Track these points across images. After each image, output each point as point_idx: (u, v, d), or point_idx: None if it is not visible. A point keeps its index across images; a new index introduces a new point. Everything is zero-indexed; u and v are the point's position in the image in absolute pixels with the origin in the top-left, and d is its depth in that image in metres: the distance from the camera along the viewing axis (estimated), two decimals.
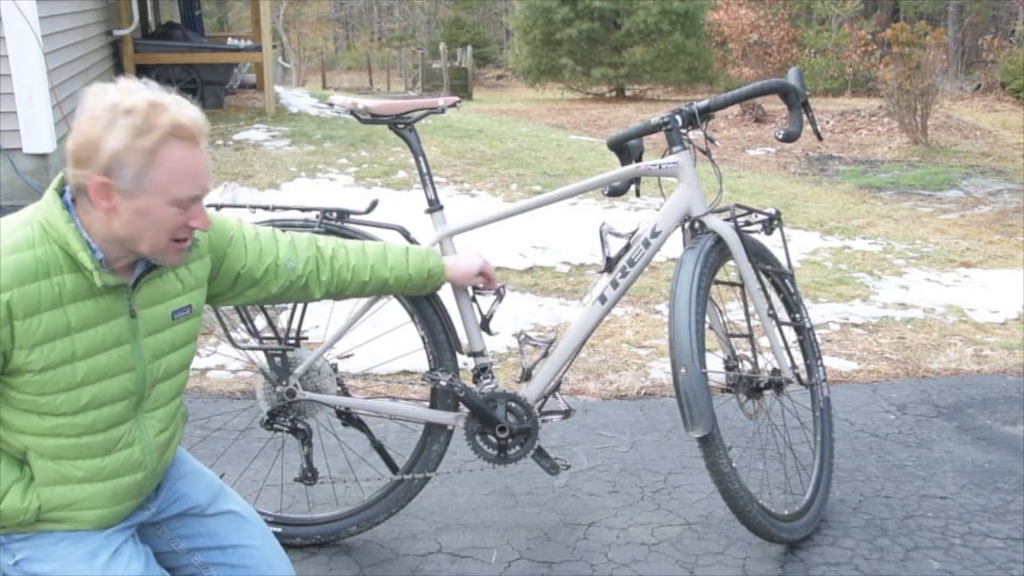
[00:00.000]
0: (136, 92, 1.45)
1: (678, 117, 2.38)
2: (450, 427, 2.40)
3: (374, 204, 2.36)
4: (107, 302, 1.52)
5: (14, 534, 1.57)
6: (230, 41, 10.93)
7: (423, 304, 2.34)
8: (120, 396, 1.57)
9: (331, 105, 2.39)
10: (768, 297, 2.50)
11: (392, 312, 2.45)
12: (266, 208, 2.37)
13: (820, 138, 2.80)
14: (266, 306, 2.30)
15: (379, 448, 2.46)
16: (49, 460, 1.54)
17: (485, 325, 2.35)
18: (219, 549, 1.73)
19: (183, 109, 1.47)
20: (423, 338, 2.37)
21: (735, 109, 14.27)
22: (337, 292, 2.00)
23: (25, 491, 1.54)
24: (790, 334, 2.63)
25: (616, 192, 2.50)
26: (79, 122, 1.44)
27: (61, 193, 1.50)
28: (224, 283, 1.80)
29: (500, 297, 2.35)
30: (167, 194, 1.46)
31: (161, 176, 1.44)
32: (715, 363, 2.45)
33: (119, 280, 1.51)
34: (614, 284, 2.35)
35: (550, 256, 5.30)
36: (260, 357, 2.34)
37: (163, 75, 9.11)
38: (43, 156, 5.94)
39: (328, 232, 2.31)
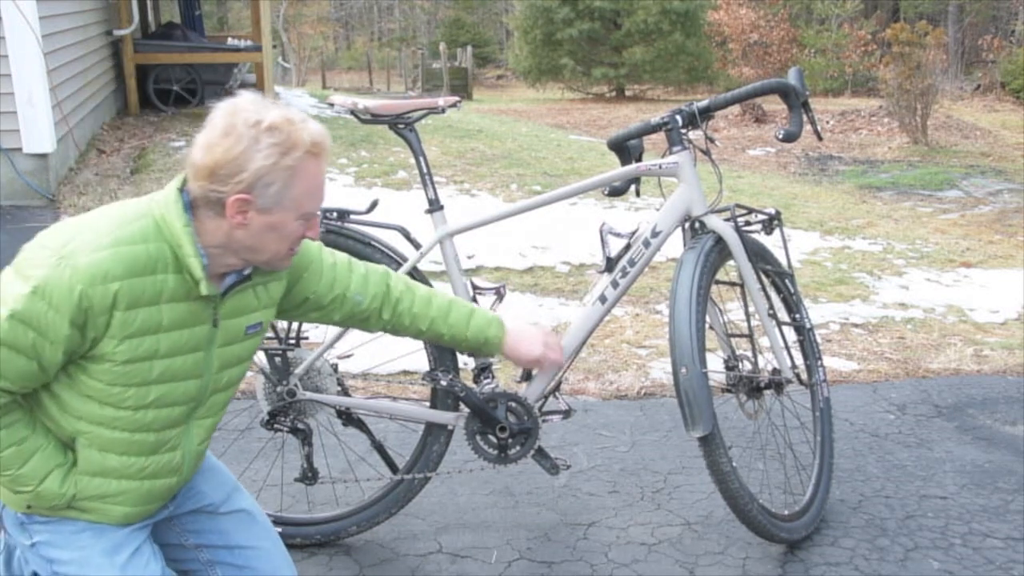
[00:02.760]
0: (271, 108, 1.47)
1: (678, 117, 2.38)
2: (450, 427, 2.40)
3: (374, 204, 2.36)
4: (198, 307, 1.54)
5: (36, 516, 1.58)
6: (230, 41, 10.92)
7: None
8: (182, 400, 1.58)
9: (331, 105, 2.39)
10: (768, 297, 2.50)
11: None
12: None
13: (820, 138, 2.81)
14: None
15: (379, 448, 2.46)
16: (96, 451, 1.55)
17: None
18: (227, 548, 1.74)
19: (312, 125, 1.50)
20: None
21: (735, 109, 14.27)
22: (393, 332, 1.98)
23: (65, 477, 1.54)
24: (790, 334, 2.63)
25: (616, 192, 2.50)
26: (215, 139, 1.44)
27: (182, 193, 1.51)
28: (291, 303, 1.81)
29: (500, 297, 2.36)
30: (299, 209, 1.50)
31: (298, 193, 1.48)
32: (715, 363, 2.45)
33: (215, 289, 1.54)
34: (614, 284, 2.35)
35: (550, 256, 5.30)
36: (260, 357, 2.34)
37: (163, 75, 9.12)
38: (43, 156, 5.94)
39: (328, 232, 2.32)
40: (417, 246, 2.35)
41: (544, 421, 2.35)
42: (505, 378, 3.48)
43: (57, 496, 1.53)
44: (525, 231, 5.48)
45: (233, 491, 1.80)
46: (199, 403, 1.62)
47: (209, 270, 1.52)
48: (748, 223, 2.48)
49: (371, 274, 1.90)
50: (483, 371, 2.38)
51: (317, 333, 2.45)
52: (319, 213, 1.57)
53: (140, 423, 1.54)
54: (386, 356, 3.17)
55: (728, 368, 2.50)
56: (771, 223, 2.53)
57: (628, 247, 2.37)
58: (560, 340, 2.01)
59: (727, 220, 2.40)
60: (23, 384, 1.46)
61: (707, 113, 2.41)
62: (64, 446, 1.56)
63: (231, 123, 1.44)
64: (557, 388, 2.40)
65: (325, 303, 1.84)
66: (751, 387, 2.51)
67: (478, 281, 3.31)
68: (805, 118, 2.41)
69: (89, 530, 1.58)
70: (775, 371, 2.52)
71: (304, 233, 1.55)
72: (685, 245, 2.39)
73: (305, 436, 2.34)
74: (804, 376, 2.63)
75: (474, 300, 2.35)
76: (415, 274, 2.34)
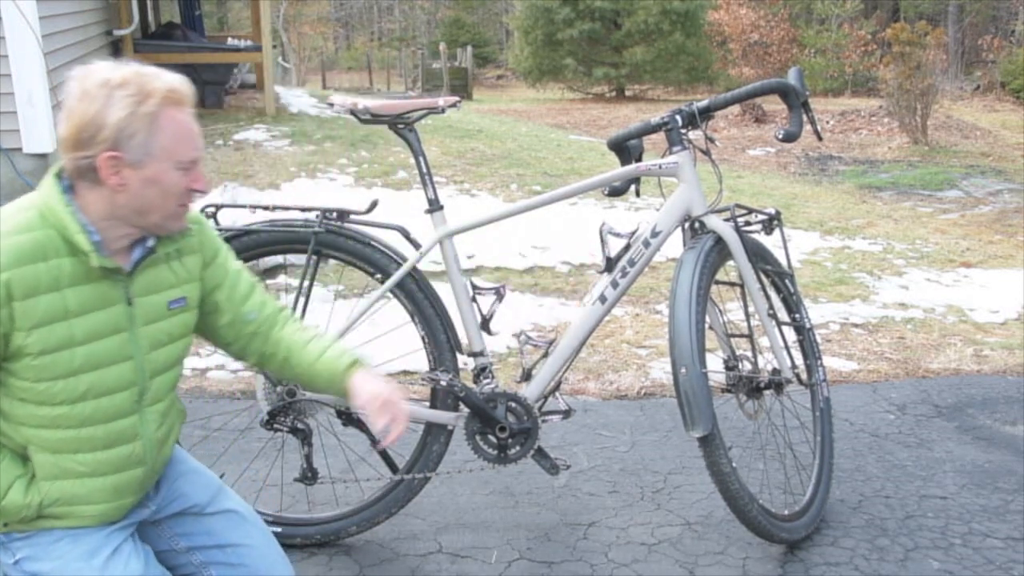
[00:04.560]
0: (121, 67, 1.49)
1: (678, 117, 2.38)
2: (450, 427, 2.40)
3: (374, 204, 2.36)
4: (104, 288, 1.53)
5: (14, 533, 1.57)
6: (230, 41, 10.92)
7: (423, 304, 2.34)
8: (119, 386, 1.57)
9: (331, 105, 2.39)
10: (768, 297, 2.50)
11: (392, 312, 2.45)
12: (266, 208, 2.37)
13: (820, 138, 2.81)
14: None
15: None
16: (49, 454, 1.54)
17: (485, 325, 2.35)
18: (218, 548, 1.73)
19: (168, 75, 1.52)
20: (423, 338, 2.37)
21: (735, 109, 14.27)
22: (261, 364, 1.86)
23: (27, 487, 1.54)
24: (790, 334, 2.63)
25: (616, 192, 2.50)
26: (72, 106, 1.46)
27: (59, 178, 1.51)
28: (204, 289, 1.75)
29: (500, 297, 2.36)
30: (173, 158, 1.50)
31: (166, 140, 1.48)
32: (715, 363, 2.45)
33: (114, 263, 1.53)
34: (614, 284, 2.35)
35: (550, 256, 5.30)
36: None
37: None
38: (43, 156, 5.94)
39: (328, 232, 2.31)
40: (417, 246, 2.34)
41: (544, 421, 2.36)
42: (505, 378, 3.48)
43: (23, 507, 1.53)
44: (525, 231, 5.48)
45: (218, 492, 1.78)
46: (142, 388, 1.60)
47: (107, 247, 1.52)
48: (748, 223, 2.48)
49: (269, 301, 1.84)
50: (483, 371, 2.38)
51: None
52: (199, 162, 1.55)
53: (81, 417, 1.53)
54: (386, 356, 3.17)
55: (728, 368, 2.50)
56: (771, 223, 2.53)
57: (628, 247, 2.37)
58: (404, 404, 1.74)
59: (727, 220, 2.40)
60: None
61: (707, 113, 2.41)
62: (22, 458, 1.55)
63: (83, 88, 1.46)
64: (557, 388, 2.41)
65: (225, 307, 1.76)
66: (751, 387, 2.51)
67: (478, 281, 3.31)
68: (805, 118, 2.41)
69: (67, 537, 1.58)
70: (775, 371, 2.52)
71: (190, 185, 1.54)
72: (685, 245, 2.39)
73: (305, 436, 2.34)
74: (804, 376, 2.63)
75: (474, 300, 2.35)
76: (415, 273, 2.34)
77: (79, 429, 1.54)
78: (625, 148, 2.51)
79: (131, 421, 1.60)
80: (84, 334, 1.51)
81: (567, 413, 2.40)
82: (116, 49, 8.72)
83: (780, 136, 2.39)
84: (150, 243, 1.59)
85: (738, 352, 2.51)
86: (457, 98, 2.43)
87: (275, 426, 2.34)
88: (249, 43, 10.34)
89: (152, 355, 1.61)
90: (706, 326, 2.29)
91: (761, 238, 2.54)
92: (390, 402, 1.68)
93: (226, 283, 1.76)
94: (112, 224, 1.52)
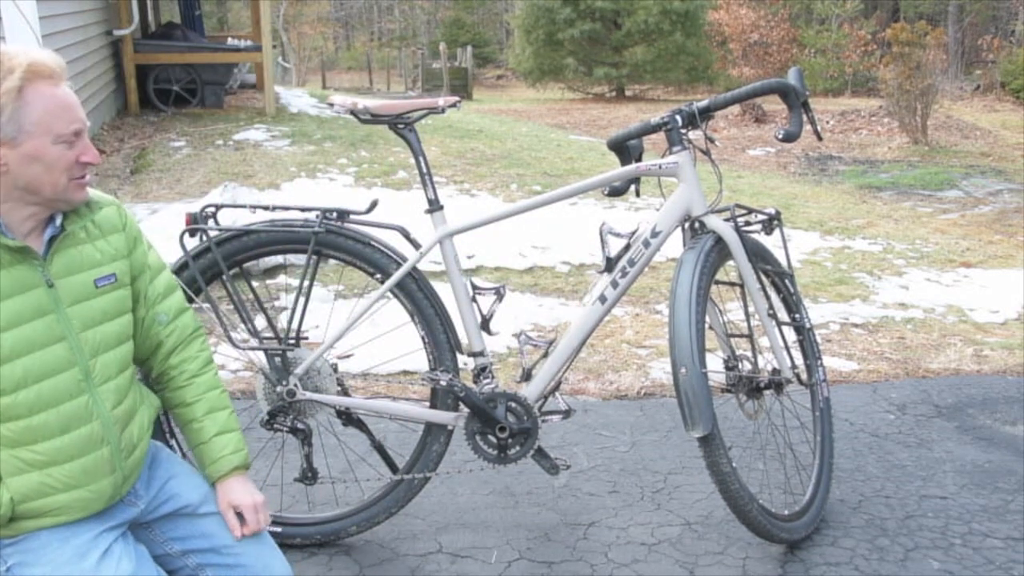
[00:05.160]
0: None
1: (678, 117, 2.38)
2: (450, 427, 2.40)
3: (374, 204, 2.35)
4: (20, 272, 1.53)
5: (3, 540, 1.56)
6: (230, 41, 10.92)
7: (423, 304, 2.34)
8: (57, 368, 1.56)
9: (331, 105, 2.39)
10: (768, 297, 2.50)
11: (392, 312, 2.45)
12: (266, 208, 2.37)
13: (820, 138, 2.81)
14: (266, 306, 2.30)
15: (379, 448, 2.46)
16: (8, 448, 1.53)
17: (485, 325, 2.35)
18: (213, 550, 1.72)
19: (34, 51, 1.51)
20: (423, 338, 2.37)
21: (735, 109, 14.27)
22: (163, 392, 1.85)
23: None
24: (790, 334, 2.63)
25: (616, 192, 2.50)
26: None
27: None
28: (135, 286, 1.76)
29: (500, 297, 2.35)
30: (50, 132, 1.49)
31: (36, 115, 1.48)
32: (715, 363, 2.45)
33: (20, 243, 1.52)
34: (614, 284, 2.35)
35: (550, 256, 5.30)
36: (260, 357, 2.34)
37: (163, 75, 9.12)
38: None
39: (328, 232, 2.31)
40: (417, 246, 2.34)
41: (544, 421, 2.35)
42: (505, 378, 3.48)
43: None
44: (525, 231, 5.48)
45: (210, 492, 1.77)
46: (84, 368, 1.59)
47: (13, 230, 1.52)
48: (748, 223, 2.48)
49: (187, 313, 1.84)
50: (483, 371, 2.38)
51: (317, 333, 2.45)
52: (83, 133, 1.54)
53: (27, 404, 1.52)
54: (386, 356, 3.17)
55: (728, 368, 2.50)
56: (771, 223, 2.53)
57: (628, 247, 2.37)
58: (264, 517, 1.78)
59: (727, 220, 2.40)
60: None
61: (707, 113, 2.41)
62: None
63: None
64: (557, 388, 2.41)
65: (147, 294, 1.77)
66: (751, 387, 2.51)
67: (478, 281, 3.31)
68: (805, 118, 2.41)
69: (56, 540, 1.57)
70: (775, 371, 2.52)
71: (77, 158, 1.54)
72: (685, 245, 2.39)
73: (305, 436, 2.34)
74: (804, 376, 2.63)
75: (474, 300, 2.35)
76: (415, 273, 2.34)
77: (29, 418, 1.53)
78: (625, 148, 2.51)
79: (82, 401, 1.58)
80: (7, 320, 1.50)
81: (567, 413, 2.40)
82: (116, 49, 8.73)
83: (780, 136, 2.39)
84: (59, 221, 1.59)
85: (738, 352, 2.51)
86: (457, 98, 2.43)
87: (275, 426, 2.34)
88: (249, 43, 10.35)
89: (87, 334, 1.60)
90: (706, 326, 2.29)
91: (761, 238, 2.54)
92: (251, 512, 1.74)
93: (145, 274, 1.76)
94: (10, 207, 1.52)
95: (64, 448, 1.56)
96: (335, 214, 2.34)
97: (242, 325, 2.35)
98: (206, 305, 2.32)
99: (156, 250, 1.83)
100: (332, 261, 2.47)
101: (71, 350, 1.58)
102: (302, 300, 2.31)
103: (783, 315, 2.61)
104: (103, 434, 1.61)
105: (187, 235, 2.30)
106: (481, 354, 2.38)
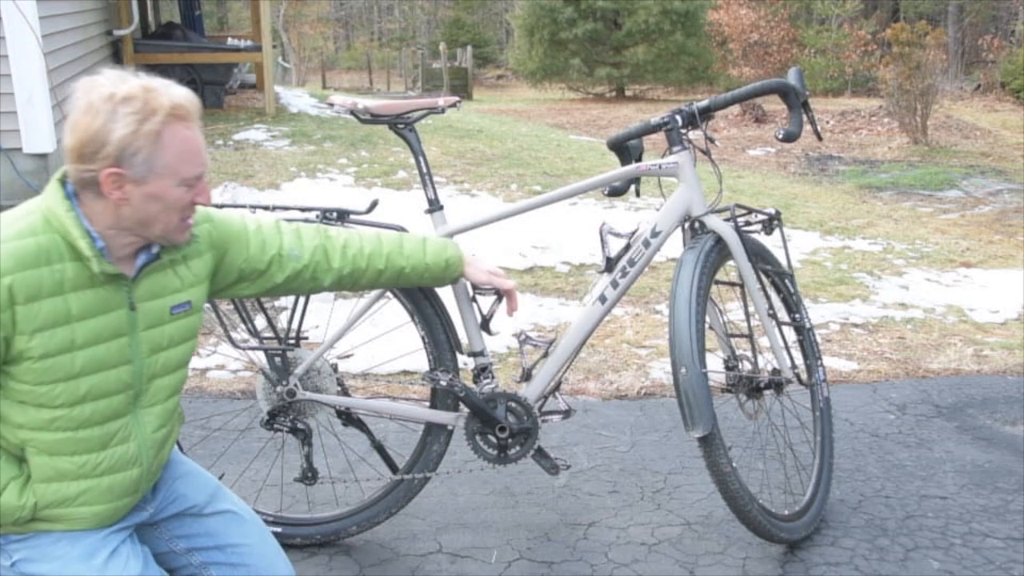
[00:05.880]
0: (127, 80, 1.48)
1: (678, 117, 2.38)
2: (450, 427, 2.40)
3: (374, 204, 2.36)
4: (107, 293, 1.53)
5: (11, 535, 1.57)
6: (230, 41, 10.93)
7: (423, 304, 2.34)
8: (117, 389, 1.57)
9: (331, 105, 2.39)
10: (768, 297, 2.50)
11: (392, 312, 2.45)
12: (266, 208, 2.36)
13: (820, 138, 2.81)
14: (266, 306, 2.30)
15: (379, 448, 2.46)
16: (46, 456, 1.54)
17: (485, 325, 2.35)
18: (218, 548, 1.73)
19: (175, 90, 1.51)
20: (423, 338, 2.37)
21: (735, 109, 14.27)
22: (351, 280, 1.98)
23: (22, 489, 1.54)
24: (790, 334, 2.63)
25: (616, 192, 2.50)
26: (76, 118, 1.46)
27: (63, 184, 1.51)
28: (229, 277, 1.80)
29: (500, 297, 2.35)
30: (176, 175, 1.49)
31: (169, 158, 1.48)
32: (715, 363, 2.45)
33: (117, 269, 1.53)
34: (614, 284, 2.35)
35: (550, 256, 5.30)
36: (260, 357, 2.34)
37: (163, 75, 9.09)
38: (43, 156, 5.94)
39: None
40: None
41: (544, 421, 2.35)
42: (505, 378, 3.48)
43: (17, 509, 1.53)
44: (525, 231, 5.48)
45: (216, 492, 1.79)
46: (139, 390, 1.60)
47: (111, 253, 1.52)
48: (748, 223, 2.48)
49: (304, 230, 1.92)
50: (483, 371, 2.38)
51: (317, 333, 2.45)
52: (204, 176, 1.55)
53: (79, 419, 1.53)
54: (386, 356, 3.17)
55: (728, 368, 2.50)
56: (771, 223, 2.53)
57: (628, 247, 2.37)
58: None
59: (727, 220, 2.40)
60: None
61: (707, 113, 2.41)
62: (17, 459, 1.55)
63: (88, 100, 1.45)
64: (557, 388, 2.40)
65: (262, 267, 1.83)
66: (751, 387, 2.50)
67: None
68: (805, 118, 2.41)
69: (65, 539, 1.58)
70: (775, 371, 2.52)
71: (193, 200, 1.54)
72: (685, 245, 2.39)
73: (305, 436, 2.34)
74: (804, 376, 2.63)
75: (474, 300, 2.35)
76: None
77: (76, 431, 1.54)
78: (625, 148, 2.51)
79: (124, 422, 1.60)
80: (85, 338, 1.51)
81: (567, 413, 2.40)
82: (116, 49, 8.73)
83: (780, 136, 2.39)
84: (155, 250, 1.59)
85: (738, 352, 2.51)
86: (457, 98, 2.43)
87: (275, 426, 2.34)
88: (249, 43, 10.35)
89: (151, 359, 1.61)
90: (706, 326, 2.29)
91: (761, 238, 2.54)
92: (499, 274, 2.14)
93: (251, 247, 1.81)
94: (116, 233, 1.52)
95: (99, 464, 1.58)
96: (335, 214, 2.34)
97: (242, 325, 2.35)
98: (206, 305, 2.32)
99: (242, 216, 1.85)
100: None
101: (133, 374, 1.59)
102: (302, 300, 2.31)
103: (783, 315, 2.61)
104: (137, 455, 1.63)
105: None
106: (481, 354, 2.38)
